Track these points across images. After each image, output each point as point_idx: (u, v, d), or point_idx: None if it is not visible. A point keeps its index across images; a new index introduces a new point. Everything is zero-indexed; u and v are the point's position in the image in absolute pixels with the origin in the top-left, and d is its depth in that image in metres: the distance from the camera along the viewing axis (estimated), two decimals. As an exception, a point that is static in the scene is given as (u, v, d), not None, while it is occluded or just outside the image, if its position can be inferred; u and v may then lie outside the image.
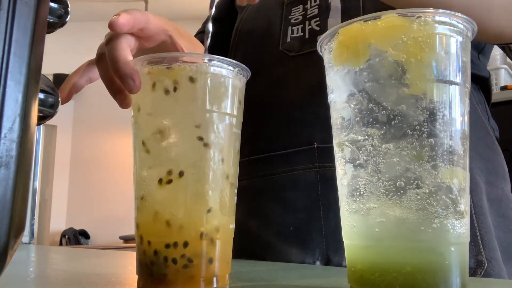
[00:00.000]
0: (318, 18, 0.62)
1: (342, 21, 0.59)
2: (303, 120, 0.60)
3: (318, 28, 0.61)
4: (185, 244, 0.33)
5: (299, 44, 0.62)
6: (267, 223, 0.61)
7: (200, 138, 0.35)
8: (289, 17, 0.65)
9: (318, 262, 0.56)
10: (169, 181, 0.34)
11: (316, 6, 0.62)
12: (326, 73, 0.34)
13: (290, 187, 0.59)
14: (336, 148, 0.33)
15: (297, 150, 0.59)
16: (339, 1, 0.61)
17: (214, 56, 0.35)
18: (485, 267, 0.53)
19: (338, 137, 0.32)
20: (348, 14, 0.60)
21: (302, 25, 0.63)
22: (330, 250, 0.55)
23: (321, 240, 0.56)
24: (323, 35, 0.33)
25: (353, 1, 0.60)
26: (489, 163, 0.60)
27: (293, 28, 0.64)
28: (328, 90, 0.34)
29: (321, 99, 0.57)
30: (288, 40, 0.63)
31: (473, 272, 0.52)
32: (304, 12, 0.64)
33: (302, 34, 0.63)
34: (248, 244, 0.62)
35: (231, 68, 0.37)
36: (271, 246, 0.59)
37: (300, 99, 0.61)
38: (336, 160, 0.33)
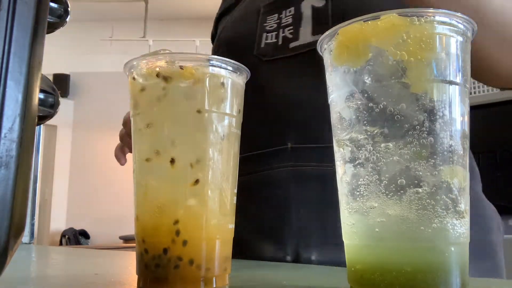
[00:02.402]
0: (292, 27, 0.65)
1: (312, 29, 0.63)
2: (278, 122, 0.63)
3: (291, 36, 0.65)
4: (185, 245, 0.33)
5: (272, 50, 0.66)
6: (242, 220, 0.64)
7: (199, 138, 0.35)
8: (264, 24, 0.69)
9: (288, 257, 0.59)
10: (169, 181, 0.34)
11: (291, 16, 0.66)
12: (326, 73, 0.34)
13: (264, 185, 0.63)
14: (336, 148, 0.33)
15: (271, 150, 0.63)
16: (310, 12, 0.64)
17: (213, 56, 0.36)
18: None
19: (338, 137, 0.32)
20: (318, 22, 0.63)
21: (276, 32, 0.67)
22: (301, 246, 0.58)
23: (292, 237, 0.59)
24: (323, 35, 0.33)
25: (322, 11, 0.64)
26: None
27: (267, 34, 0.68)
28: (328, 90, 0.34)
29: (294, 101, 0.62)
30: (262, 45, 0.67)
31: None
32: (278, 20, 0.68)
33: (275, 40, 0.67)
34: None
35: (231, 68, 0.37)
36: (244, 242, 0.62)
37: (274, 102, 0.64)
38: (336, 159, 0.33)
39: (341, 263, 0.53)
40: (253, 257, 0.61)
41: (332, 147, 0.31)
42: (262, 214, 0.62)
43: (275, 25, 0.67)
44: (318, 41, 0.34)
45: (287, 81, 0.63)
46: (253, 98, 0.66)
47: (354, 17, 0.30)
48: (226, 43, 0.74)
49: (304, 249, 0.58)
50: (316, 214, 0.59)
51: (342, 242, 0.32)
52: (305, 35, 0.62)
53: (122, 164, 0.79)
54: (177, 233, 0.33)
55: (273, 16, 0.68)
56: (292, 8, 0.66)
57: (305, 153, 0.60)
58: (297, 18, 0.65)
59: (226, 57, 0.77)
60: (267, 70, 0.65)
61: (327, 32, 0.32)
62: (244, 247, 0.62)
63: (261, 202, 0.63)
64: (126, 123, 0.76)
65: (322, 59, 0.34)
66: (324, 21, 0.62)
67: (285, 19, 0.66)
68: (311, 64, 0.61)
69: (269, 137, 0.63)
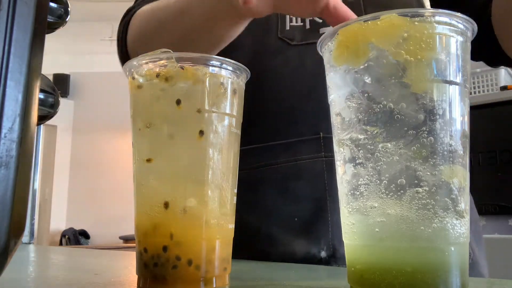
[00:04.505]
0: None
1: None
2: (307, 110, 0.59)
3: (320, 20, 0.61)
4: (185, 245, 0.33)
5: (300, 34, 0.62)
6: (268, 214, 0.59)
7: (199, 138, 0.35)
8: None
9: (323, 252, 0.56)
10: (169, 181, 0.34)
11: None
12: (326, 73, 0.34)
13: (294, 177, 0.58)
14: (336, 147, 0.33)
15: (302, 139, 0.59)
16: None
17: (213, 56, 0.36)
18: (471, 256, 0.54)
19: (338, 136, 0.32)
20: (351, 9, 0.60)
21: None
22: (336, 240, 0.55)
23: (326, 230, 0.56)
24: (323, 36, 0.33)
25: None
26: None
27: (291, 16, 0.63)
28: (328, 90, 0.34)
29: (325, 88, 0.57)
30: (287, 28, 0.63)
31: None
32: None
33: (302, 24, 0.62)
34: (247, 239, 0.60)
35: (230, 68, 0.37)
36: (272, 238, 0.58)
37: (303, 88, 0.60)
38: (336, 159, 0.33)
39: None
40: (285, 253, 0.57)
41: None
42: (290, 207, 0.58)
43: None
44: (318, 41, 0.34)
45: (317, 67, 0.57)
46: (277, 83, 0.62)
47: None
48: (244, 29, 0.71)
49: (340, 244, 0.54)
50: None
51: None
52: None
53: None
54: (177, 233, 0.34)
55: None
56: None
57: None
58: None
59: (246, 42, 0.69)
60: (294, 55, 0.61)
61: (326, 32, 0.32)
62: (269, 244, 0.58)
63: (289, 194, 0.58)
64: None
65: None
66: (356, 10, 0.58)
67: None
68: None
69: (296, 125, 0.59)
